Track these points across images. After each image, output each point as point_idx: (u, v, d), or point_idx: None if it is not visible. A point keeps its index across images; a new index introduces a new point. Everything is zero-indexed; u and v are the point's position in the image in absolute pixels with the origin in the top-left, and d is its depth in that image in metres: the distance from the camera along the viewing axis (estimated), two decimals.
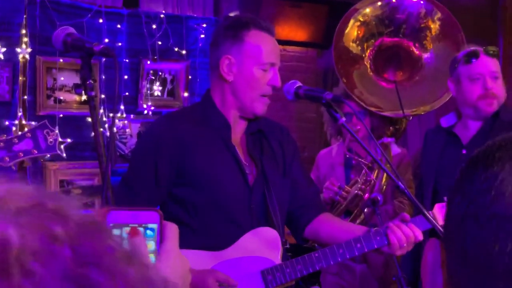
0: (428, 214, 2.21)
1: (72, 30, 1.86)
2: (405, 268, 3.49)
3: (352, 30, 4.11)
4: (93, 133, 4.51)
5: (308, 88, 2.22)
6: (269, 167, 2.45)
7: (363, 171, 3.65)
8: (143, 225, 1.05)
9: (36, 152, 3.00)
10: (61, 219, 0.64)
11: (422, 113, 4.18)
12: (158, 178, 2.36)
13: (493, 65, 3.21)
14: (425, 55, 4.06)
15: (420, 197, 3.43)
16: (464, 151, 3.27)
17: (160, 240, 1.05)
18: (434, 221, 2.21)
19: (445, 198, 2.51)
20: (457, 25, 3.94)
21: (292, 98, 2.25)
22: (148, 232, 1.05)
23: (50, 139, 2.99)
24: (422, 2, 4.08)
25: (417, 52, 4.07)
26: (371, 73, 4.11)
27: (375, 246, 2.30)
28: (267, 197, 2.38)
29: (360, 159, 3.71)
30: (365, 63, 4.10)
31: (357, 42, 4.12)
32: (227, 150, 2.40)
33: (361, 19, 4.12)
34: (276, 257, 2.36)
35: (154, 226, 1.06)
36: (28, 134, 2.96)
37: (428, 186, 3.39)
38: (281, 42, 6.21)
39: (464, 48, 3.40)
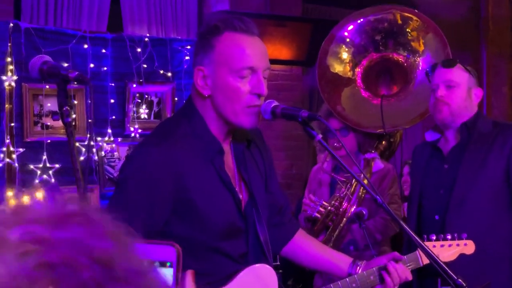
0: (411, 233, 2.22)
1: (47, 58, 1.88)
2: None
3: (336, 48, 4.13)
4: (82, 158, 4.55)
5: (284, 107, 2.17)
6: (256, 185, 2.33)
7: (338, 186, 3.70)
8: (157, 261, 0.92)
9: None
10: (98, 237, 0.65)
11: (405, 127, 4.20)
12: (154, 220, 2.11)
13: (448, 74, 3.25)
14: (415, 69, 4.06)
15: (409, 210, 3.46)
16: (446, 166, 3.29)
17: (177, 282, 0.92)
18: (424, 245, 2.22)
19: (432, 237, 2.55)
20: (444, 39, 3.96)
21: (269, 117, 2.21)
22: (163, 270, 0.91)
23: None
24: (407, 15, 4.08)
25: (406, 65, 4.08)
26: (357, 89, 4.12)
27: (369, 286, 2.35)
28: (257, 221, 2.28)
29: (336, 176, 3.75)
30: (351, 78, 4.11)
31: (342, 59, 4.13)
32: (220, 180, 2.19)
33: (344, 38, 4.13)
34: None
35: (170, 263, 0.93)
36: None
37: (414, 200, 3.41)
38: None
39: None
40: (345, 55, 4.12)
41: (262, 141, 2.45)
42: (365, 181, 3.04)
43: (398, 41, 4.05)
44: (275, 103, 2.19)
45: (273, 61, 6.18)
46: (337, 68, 4.12)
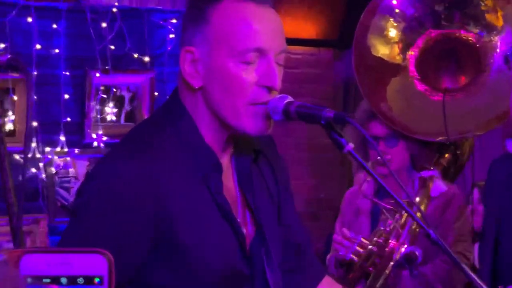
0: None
1: None
2: None
3: (381, 22, 4.13)
4: (20, 176, 4.55)
5: (301, 104, 2.10)
6: (266, 214, 2.31)
7: (382, 216, 3.68)
8: (81, 276, 0.94)
9: None
10: None
11: (477, 135, 4.19)
12: (123, 264, 1.89)
13: None
14: (491, 52, 4.05)
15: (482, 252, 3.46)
16: None
17: None
18: None
19: None
20: None
21: (281, 118, 2.16)
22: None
23: None
24: None
25: (478, 46, 4.07)
26: (409, 81, 4.12)
27: None
28: (266, 265, 2.28)
29: (380, 203, 3.73)
30: (401, 65, 4.11)
31: (389, 38, 4.13)
32: (216, 207, 2.17)
33: (392, 8, 4.13)
34: None
35: (100, 278, 0.94)
36: None
37: (488, 236, 3.40)
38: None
39: None
40: (393, 33, 4.12)
41: (275, 153, 2.44)
42: (418, 214, 3.02)
43: (467, 14, 4.05)
44: (289, 99, 2.15)
45: (292, 41, 6.21)
46: (382, 50, 4.12)
